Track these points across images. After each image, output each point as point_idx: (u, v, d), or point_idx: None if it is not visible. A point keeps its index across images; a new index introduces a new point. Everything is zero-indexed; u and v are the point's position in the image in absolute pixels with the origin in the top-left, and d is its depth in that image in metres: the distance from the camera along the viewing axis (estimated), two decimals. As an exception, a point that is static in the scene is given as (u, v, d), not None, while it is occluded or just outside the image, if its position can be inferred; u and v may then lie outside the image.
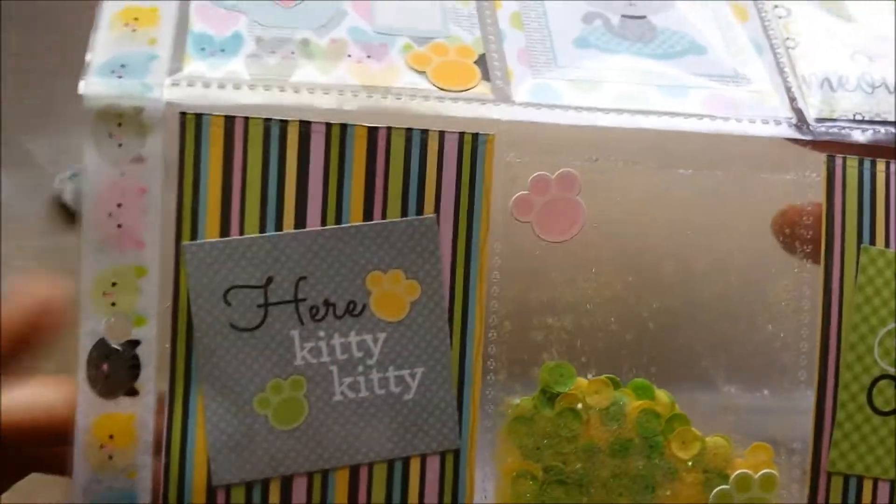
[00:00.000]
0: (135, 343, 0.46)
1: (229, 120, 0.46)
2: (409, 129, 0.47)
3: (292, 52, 0.49)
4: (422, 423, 0.47)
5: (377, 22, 0.51)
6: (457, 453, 0.48)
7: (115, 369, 0.46)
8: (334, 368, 0.47)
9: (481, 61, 0.50)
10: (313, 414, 0.47)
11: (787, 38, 0.54)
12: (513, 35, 0.52)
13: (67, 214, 0.58)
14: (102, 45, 0.48)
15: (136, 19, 0.49)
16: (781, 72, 0.52)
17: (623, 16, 0.54)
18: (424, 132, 0.47)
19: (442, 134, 0.47)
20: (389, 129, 0.47)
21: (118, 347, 0.46)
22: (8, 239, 0.48)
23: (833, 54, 0.53)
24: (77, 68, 0.46)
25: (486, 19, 0.52)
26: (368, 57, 0.49)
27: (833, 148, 0.50)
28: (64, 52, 0.49)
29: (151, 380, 0.46)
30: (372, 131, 0.47)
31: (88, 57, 0.47)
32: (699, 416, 0.50)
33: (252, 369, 0.46)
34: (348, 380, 0.47)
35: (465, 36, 0.51)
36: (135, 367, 0.46)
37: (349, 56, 0.49)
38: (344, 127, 0.47)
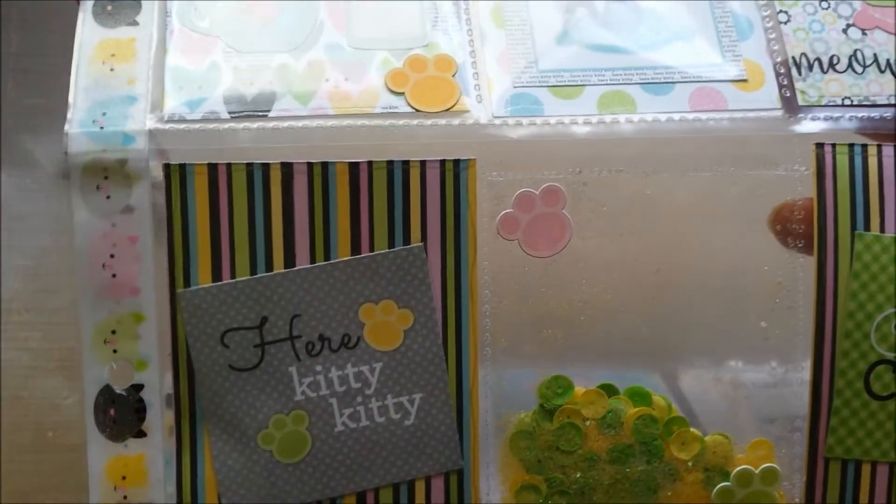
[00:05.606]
0: (139, 387, 0.47)
1: (212, 167, 0.47)
2: (390, 162, 0.47)
3: (270, 82, 0.49)
4: (424, 447, 0.48)
5: (353, 33, 0.50)
6: (460, 472, 0.49)
7: (121, 413, 0.47)
8: (334, 401, 0.48)
9: (460, 73, 0.50)
10: (317, 446, 0.48)
11: (780, 11, 0.52)
12: (493, 35, 0.51)
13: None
14: (83, 90, 0.48)
15: (113, 55, 0.49)
16: (771, 52, 0.51)
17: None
18: (406, 163, 0.47)
19: (423, 164, 0.47)
20: (371, 163, 0.47)
21: (123, 392, 0.47)
22: (8, 239, 0.49)
23: (827, 28, 0.52)
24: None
25: (464, 16, 0.52)
26: (346, 80, 0.49)
27: (823, 135, 0.50)
28: (64, 52, 0.49)
29: (158, 420, 0.48)
30: (353, 167, 0.47)
31: (70, 102, 0.47)
32: (699, 416, 0.51)
33: (254, 407, 0.47)
34: (348, 410, 0.48)
35: (443, 42, 0.51)
36: (140, 409, 0.47)
37: (327, 80, 0.49)
38: (325, 165, 0.47)
